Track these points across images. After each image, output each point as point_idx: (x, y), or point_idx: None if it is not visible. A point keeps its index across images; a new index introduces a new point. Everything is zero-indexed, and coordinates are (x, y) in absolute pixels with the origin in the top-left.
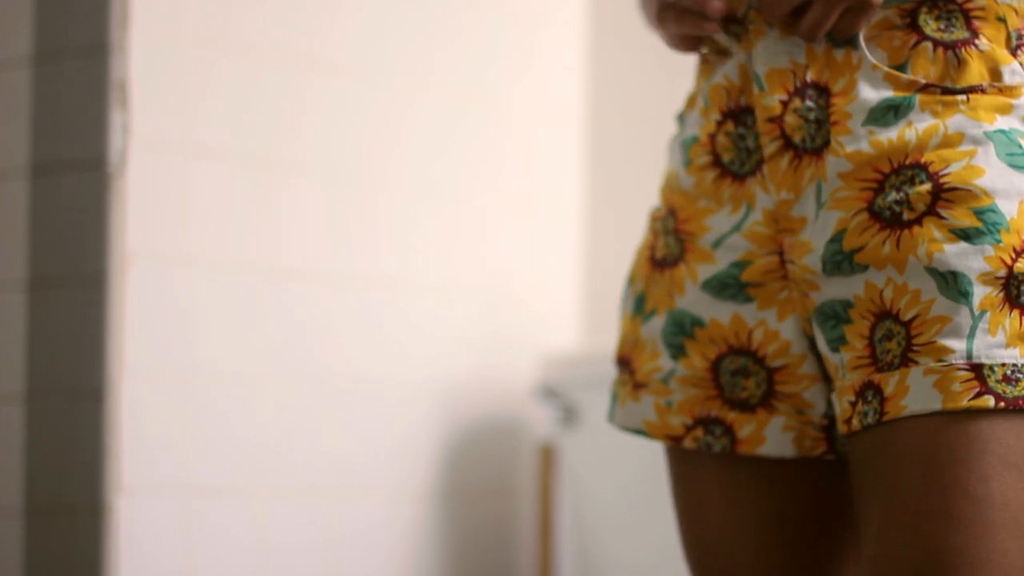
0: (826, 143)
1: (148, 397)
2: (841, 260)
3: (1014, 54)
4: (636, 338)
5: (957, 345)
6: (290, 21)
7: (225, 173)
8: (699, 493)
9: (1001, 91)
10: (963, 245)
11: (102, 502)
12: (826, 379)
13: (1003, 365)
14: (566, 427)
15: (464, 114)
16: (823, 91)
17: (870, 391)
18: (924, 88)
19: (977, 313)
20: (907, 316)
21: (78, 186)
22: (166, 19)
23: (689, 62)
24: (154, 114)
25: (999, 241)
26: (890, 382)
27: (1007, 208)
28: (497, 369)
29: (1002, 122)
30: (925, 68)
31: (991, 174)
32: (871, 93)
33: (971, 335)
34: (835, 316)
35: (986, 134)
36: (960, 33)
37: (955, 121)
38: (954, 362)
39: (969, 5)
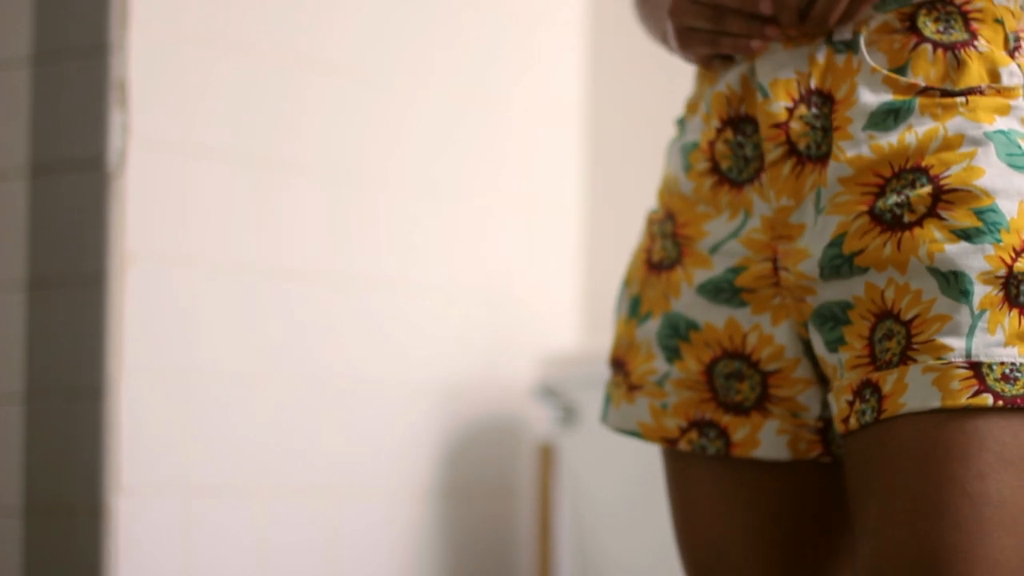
0: (830, 150)
1: (148, 397)
2: (840, 264)
3: (1012, 56)
4: (631, 340)
5: (956, 343)
6: (290, 21)
7: (225, 173)
8: (694, 495)
9: (999, 92)
10: (964, 245)
11: (101, 502)
12: (821, 382)
13: (1002, 364)
14: (565, 427)
15: (464, 114)
16: (827, 98)
17: (868, 389)
18: (923, 91)
19: (977, 312)
20: (908, 316)
21: (78, 186)
22: (166, 19)
23: (689, 64)
24: (154, 114)
25: (999, 241)
26: (888, 380)
27: (1007, 208)
28: (497, 369)
29: (1001, 123)
30: (925, 69)
31: (991, 174)
32: (871, 97)
33: (970, 333)
34: (833, 318)
35: (986, 134)
36: (959, 35)
37: (955, 123)
38: (953, 360)
39: (968, 7)
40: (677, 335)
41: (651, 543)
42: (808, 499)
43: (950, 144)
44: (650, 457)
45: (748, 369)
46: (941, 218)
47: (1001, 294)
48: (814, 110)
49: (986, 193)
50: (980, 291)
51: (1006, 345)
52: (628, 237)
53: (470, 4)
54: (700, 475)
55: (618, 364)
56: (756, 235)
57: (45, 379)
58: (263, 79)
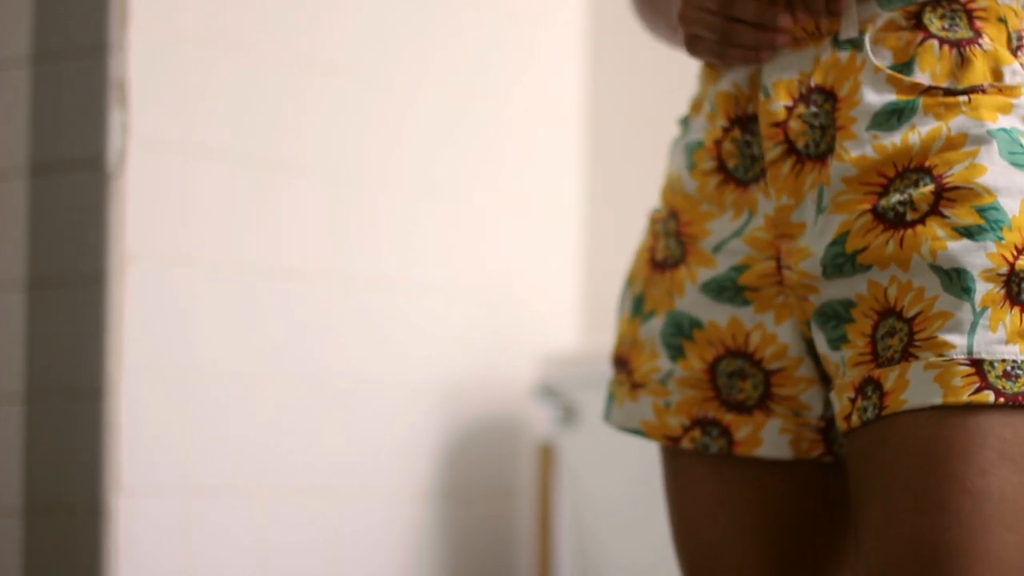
0: (830, 149)
1: (147, 397)
2: (843, 262)
3: (1015, 54)
4: (634, 338)
5: (958, 340)
6: (290, 21)
7: (225, 173)
8: (693, 494)
9: (1001, 91)
10: (966, 242)
11: (101, 502)
12: (824, 381)
13: (1003, 361)
14: (565, 426)
15: (464, 114)
16: (829, 96)
17: (870, 386)
18: (927, 91)
19: (978, 309)
20: (910, 313)
21: (77, 186)
22: (166, 19)
23: (689, 63)
24: (153, 114)
25: (1001, 238)
26: (890, 377)
27: (1009, 206)
28: (497, 369)
29: (1004, 121)
30: (932, 65)
31: (993, 172)
32: (874, 97)
33: (972, 331)
34: (836, 316)
35: (989, 132)
36: (964, 32)
37: (958, 122)
38: (955, 357)
39: (972, 6)
40: (680, 333)
41: (651, 543)
42: (809, 499)
43: (953, 143)
44: (650, 457)
45: (751, 368)
46: (943, 216)
47: (1003, 292)
48: (813, 108)
49: (988, 191)
50: (982, 288)
51: (1007, 342)
52: (628, 237)
53: (470, 4)
54: (701, 474)
55: (621, 362)
56: (760, 233)
57: (45, 379)
58: (263, 79)
